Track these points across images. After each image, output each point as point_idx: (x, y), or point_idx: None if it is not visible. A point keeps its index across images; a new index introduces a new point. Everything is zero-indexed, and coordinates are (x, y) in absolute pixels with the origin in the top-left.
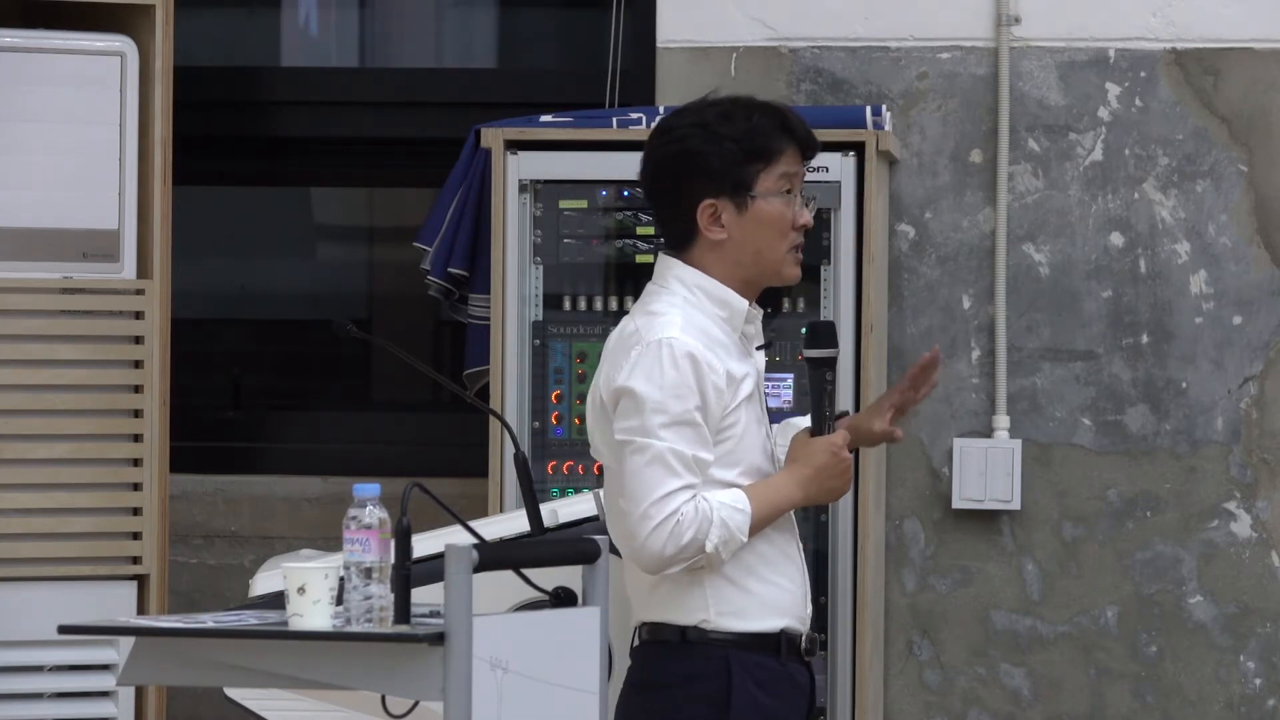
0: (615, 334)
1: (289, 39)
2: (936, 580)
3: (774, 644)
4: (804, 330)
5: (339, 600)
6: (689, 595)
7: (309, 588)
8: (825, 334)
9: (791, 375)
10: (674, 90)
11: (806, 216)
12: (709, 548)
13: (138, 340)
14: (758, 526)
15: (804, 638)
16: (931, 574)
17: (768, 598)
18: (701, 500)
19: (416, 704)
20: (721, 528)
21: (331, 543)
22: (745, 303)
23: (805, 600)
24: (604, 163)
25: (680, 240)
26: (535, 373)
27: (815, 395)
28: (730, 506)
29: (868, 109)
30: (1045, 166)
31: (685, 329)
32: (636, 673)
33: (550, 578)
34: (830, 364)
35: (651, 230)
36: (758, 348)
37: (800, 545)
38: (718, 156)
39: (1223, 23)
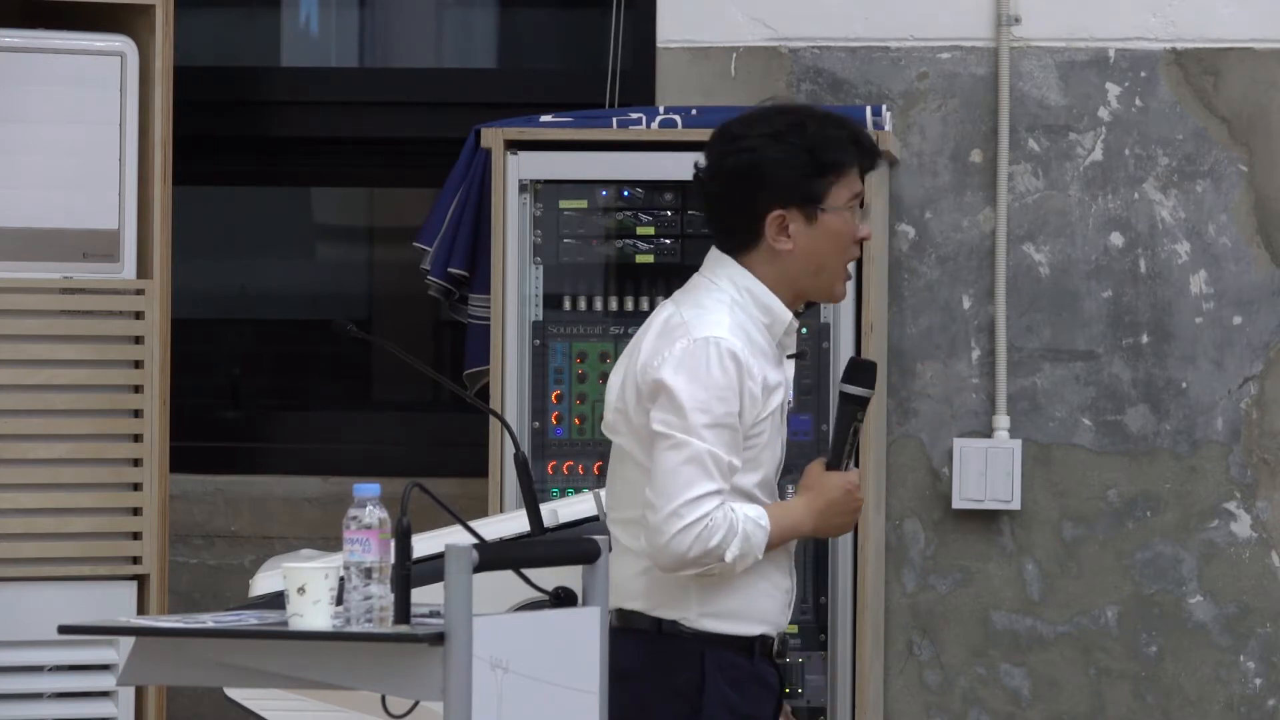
0: (660, 320)
1: (289, 39)
2: (936, 580)
3: (748, 645)
4: (846, 364)
5: (339, 600)
6: (674, 590)
7: (309, 588)
8: (865, 373)
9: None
10: (674, 90)
11: (867, 229)
12: (728, 557)
13: (138, 340)
14: (772, 547)
15: (777, 640)
16: (931, 574)
17: (755, 607)
18: (730, 509)
19: (416, 704)
20: (744, 540)
21: (331, 543)
22: (790, 314)
23: (788, 609)
24: (604, 163)
25: (739, 246)
26: (535, 373)
27: (840, 430)
28: (754, 522)
29: (868, 109)
30: (1045, 166)
31: (733, 330)
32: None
33: (550, 578)
34: (863, 404)
35: (651, 230)
36: (789, 356)
37: (792, 558)
38: (792, 168)
39: (1223, 23)
